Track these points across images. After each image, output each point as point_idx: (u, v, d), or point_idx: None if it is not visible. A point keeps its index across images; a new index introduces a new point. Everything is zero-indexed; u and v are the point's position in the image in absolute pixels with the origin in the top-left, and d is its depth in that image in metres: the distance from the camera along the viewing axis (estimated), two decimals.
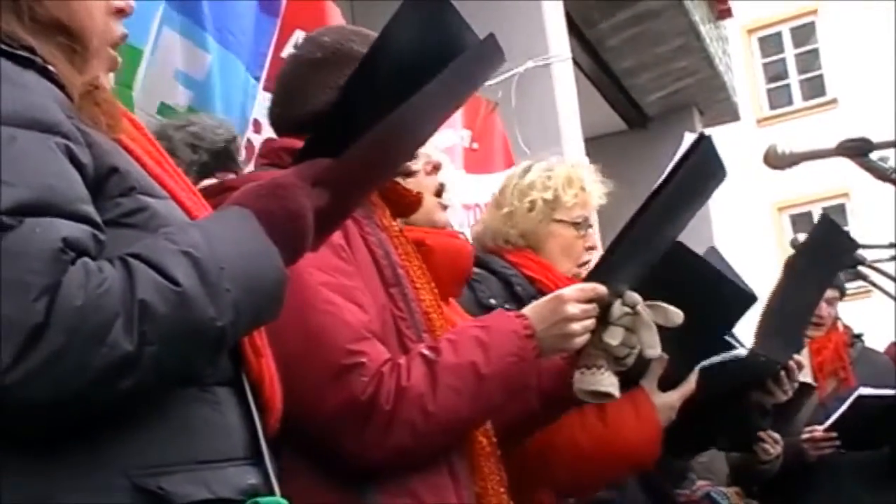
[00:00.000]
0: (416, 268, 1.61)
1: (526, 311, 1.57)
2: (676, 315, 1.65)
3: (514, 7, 4.60)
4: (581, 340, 1.56)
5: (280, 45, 2.89)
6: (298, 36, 2.92)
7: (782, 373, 2.33)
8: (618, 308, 1.61)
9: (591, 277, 1.64)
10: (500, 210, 2.25)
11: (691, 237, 1.87)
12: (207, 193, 1.39)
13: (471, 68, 1.23)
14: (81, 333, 0.89)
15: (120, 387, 0.92)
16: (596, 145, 5.70)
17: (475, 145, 4.26)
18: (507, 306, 1.90)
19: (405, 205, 1.67)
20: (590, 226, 2.24)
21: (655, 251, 1.74)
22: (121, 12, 1.17)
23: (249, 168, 2.22)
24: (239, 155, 2.23)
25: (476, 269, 2.09)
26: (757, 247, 13.40)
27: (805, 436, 3.35)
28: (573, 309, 1.54)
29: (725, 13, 8.04)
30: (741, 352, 2.27)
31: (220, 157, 2.07)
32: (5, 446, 0.92)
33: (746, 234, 13.45)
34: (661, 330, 1.63)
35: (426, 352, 1.46)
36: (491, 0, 4.32)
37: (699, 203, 1.79)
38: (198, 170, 2.02)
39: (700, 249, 2.22)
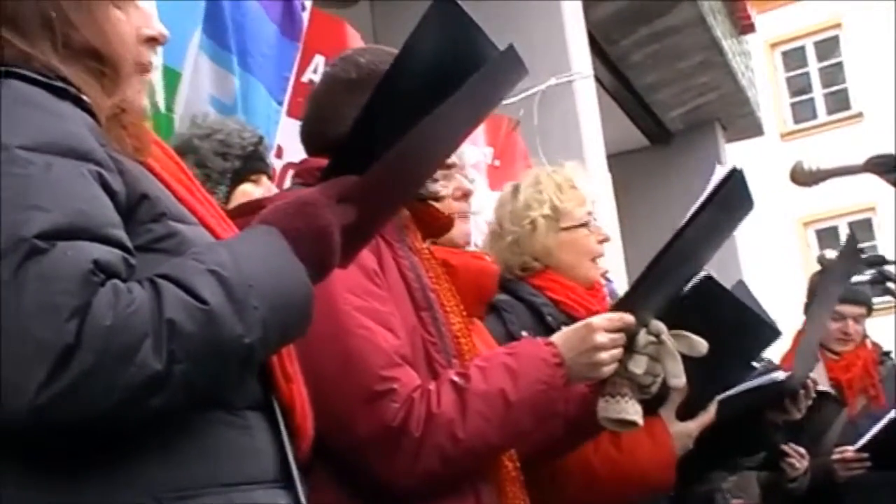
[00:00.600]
0: (445, 291, 1.61)
1: (555, 338, 1.57)
2: (700, 344, 1.65)
3: (537, 25, 4.62)
4: (609, 369, 1.57)
5: (301, 70, 2.91)
6: (318, 61, 2.94)
7: (801, 391, 2.33)
8: (643, 337, 1.61)
9: (618, 307, 1.64)
10: (504, 240, 2.19)
11: (715, 254, 1.86)
12: (243, 211, 1.40)
13: (492, 80, 1.22)
14: (111, 353, 0.90)
15: (149, 406, 0.93)
16: (618, 161, 5.67)
17: (497, 162, 4.28)
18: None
19: (437, 227, 1.67)
20: (595, 218, 2.20)
21: (681, 282, 1.75)
22: (153, 41, 1.19)
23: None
24: (268, 156, 2.19)
25: (504, 297, 2.08)
26: (782, 262, 13.29)
27: (836, 456, 3.31)
28: (602, 338, 1.54)
29: (748, 28, 8.01)
30: (779, 375, 2.25)
31: (251, 161, 2.04)
32: (35, 465, 0.93)
33: (771, 249, 13.34)
34: (683, 359, 1.63)
35: (456, 378, 1.46)
36: (513, 18, 4.35)
37: (726, 234, 1.80)
38: (231, 176, 2.01)
39: (723, 266, 2.21)
